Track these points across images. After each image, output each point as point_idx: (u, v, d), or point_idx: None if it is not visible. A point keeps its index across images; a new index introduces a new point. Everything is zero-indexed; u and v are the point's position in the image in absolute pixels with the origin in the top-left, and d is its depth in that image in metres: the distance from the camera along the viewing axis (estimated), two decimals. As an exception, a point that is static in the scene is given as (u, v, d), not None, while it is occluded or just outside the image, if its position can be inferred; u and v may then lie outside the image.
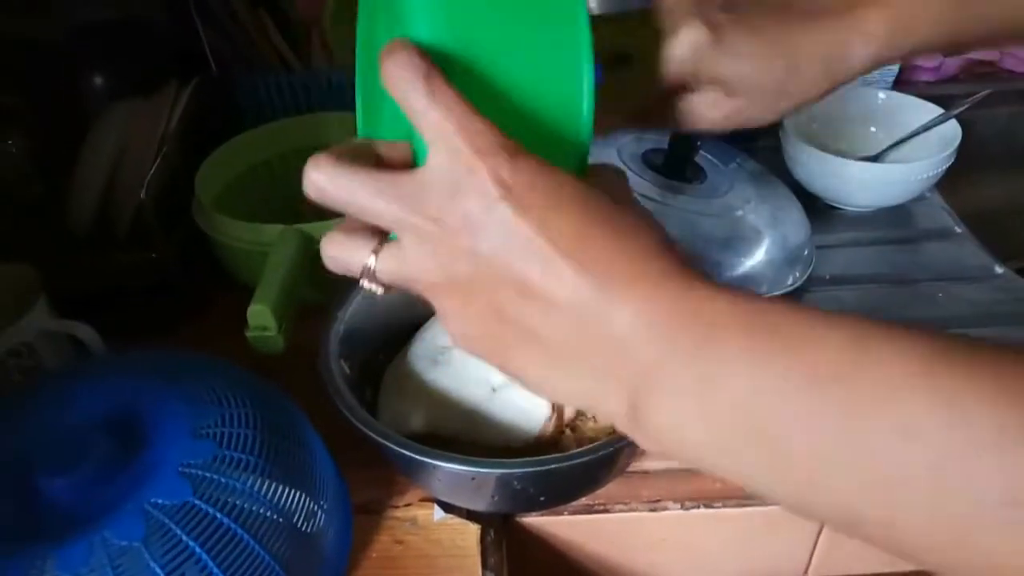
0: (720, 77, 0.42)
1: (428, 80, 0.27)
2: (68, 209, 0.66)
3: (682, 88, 0.44)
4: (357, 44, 0.40)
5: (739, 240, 0.67)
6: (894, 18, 0.41)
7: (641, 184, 0.68)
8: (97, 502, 0.40)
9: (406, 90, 0.28)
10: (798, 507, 0.24)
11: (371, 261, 0.30)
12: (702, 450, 0.25)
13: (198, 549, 0.39)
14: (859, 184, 0.74)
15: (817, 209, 0.78)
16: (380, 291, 0.31)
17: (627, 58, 0.45)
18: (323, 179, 0.29)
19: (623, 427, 0.27)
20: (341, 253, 0.31)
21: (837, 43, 0.41)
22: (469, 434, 0.52)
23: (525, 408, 0.52)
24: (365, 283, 0.31)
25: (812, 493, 0.24)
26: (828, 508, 0.23)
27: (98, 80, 0.77)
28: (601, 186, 0.29)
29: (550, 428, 0.51)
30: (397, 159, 0.31)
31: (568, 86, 0.31)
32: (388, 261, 0.30)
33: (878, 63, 0.42)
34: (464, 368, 0.54)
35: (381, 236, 0.31)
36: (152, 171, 0.63)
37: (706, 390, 0.24)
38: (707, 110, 0.44)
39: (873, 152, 0.79)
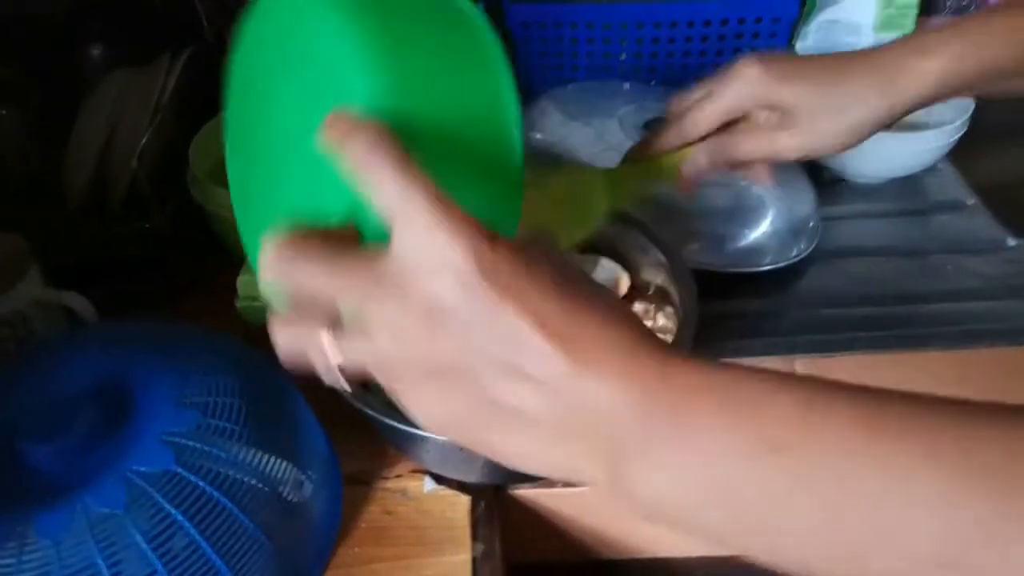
0: (779, 103, 0.45)
1: (399, 159, 0.26)
2: (63, 180, 0.66)
3: (742, 121, 0.47)
4: (228, 115, 0.38)
5: (744, 211, 0.65)
6: (944, 65, 0.45)
7: (642, 154, 0.66)
8: (80, 470, 0.40)
9: (373, 169, 0.26)
10: (767, 561, 0.25)
11: (331, 352, 0.28)
12: (680, 512, 0.26)
13: (180, 517, 0.39)
14: (868, 154, 0.72)
15: (824, 180, 0.76)
16: (346, 385, 0.29)
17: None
18: (281, 256, 0.27)
19: (606, 493, 0.27)
20: (296, 343, 0.28)
21: (891, 71, 0.45)
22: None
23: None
24: (327, 377, 0.29)
25: (771, 551, 0.25)
26: (787, 563, 0.25)
27: (94, 51, 0.76)
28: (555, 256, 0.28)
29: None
30: (344, 243, 0.29)
31: (502, 145, 0.31)
32: (353, 349, 0.28)
33: (934, 97, 0.46)
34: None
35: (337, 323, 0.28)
36: (145, 141, 0.63)
37: (682, 458, 0.25)
38: (772, 141, 0.47)
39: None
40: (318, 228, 0.29)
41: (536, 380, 0.26)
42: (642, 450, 0.25)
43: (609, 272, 0.57)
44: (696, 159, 0.48)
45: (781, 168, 0.71)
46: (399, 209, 0.26)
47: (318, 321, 0.28)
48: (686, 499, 0.25)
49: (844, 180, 0.77)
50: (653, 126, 0.69)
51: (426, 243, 0.26)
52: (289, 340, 0.29)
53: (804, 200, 0.69)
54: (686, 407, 0.25)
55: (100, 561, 0.37)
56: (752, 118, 0.47)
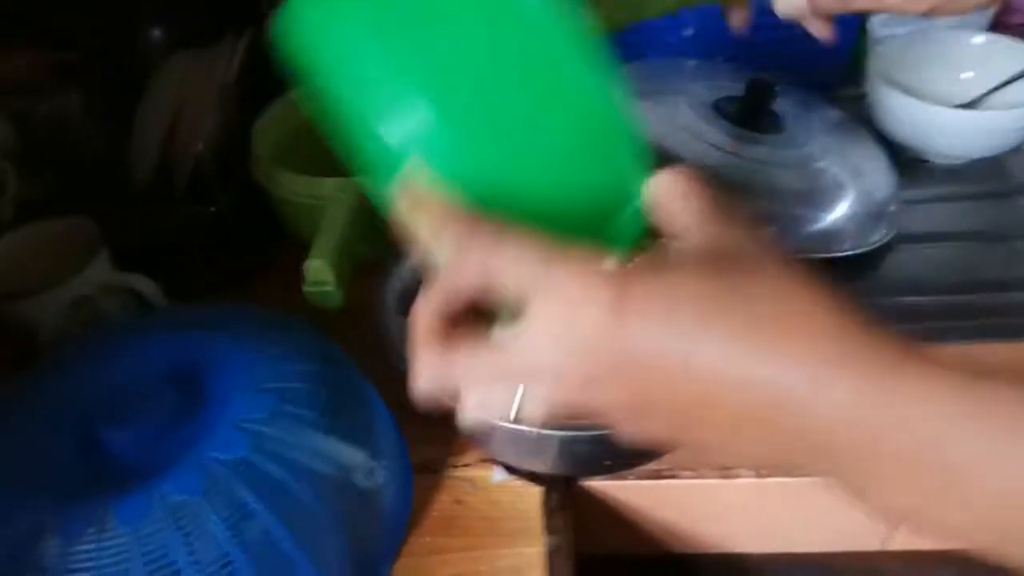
0: None
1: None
2: (128, 164, 0.66)
3: None
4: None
5: (819, 194, 0.63)
6: None
7: (713, 134, 0.64)
8: (157, 455, 0.40)
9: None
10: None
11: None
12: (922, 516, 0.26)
13: (256, 504, 0.38)
14: (951, 133, 0.69)
15: (903, 161, 0.73)
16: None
17: None
18: (434, 374, 0.27)
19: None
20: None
21: None
22: (531, 394, 0.50)
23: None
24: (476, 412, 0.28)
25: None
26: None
27: (156, 33, 0.76)
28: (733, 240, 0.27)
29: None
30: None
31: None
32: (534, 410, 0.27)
33: None
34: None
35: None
36: (210, 124, 0.62)
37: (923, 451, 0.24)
38: None
39: (966, 99, 0.73)
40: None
41: (748, 404, 0.25)
42: (875, 467, 0.24)
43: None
44: None
45: (858, 149, 0.68)
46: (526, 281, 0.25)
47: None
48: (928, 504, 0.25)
49: (924, 161, 0.73)
50: (722, 104, 0.67)
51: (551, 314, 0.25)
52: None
53: (883, 182, 0.66)
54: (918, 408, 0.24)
55: (178, 547, 0.37)
56: None
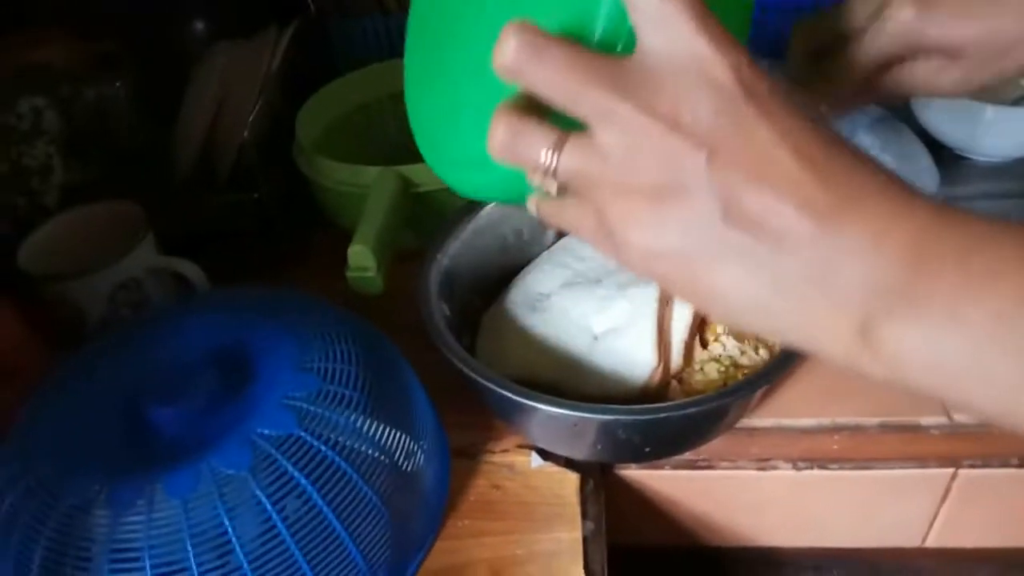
0: (941, 42, 0.40)
1: None
2: (172, 152, 0.67)
3: (900, 61, 0.42)
4: None
5: (860, 189, 0.62)
6: None
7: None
8: (204, 432, 0.40)
9: None
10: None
11: (550, 153, 0.26)
12: (946, 368, 0.23)
13: (303, 480, 0.39)
14: (996, 131, 0.68)
15: (945, 159, 0.72)
16: (552, 189, 0.27)
17: (828, 51, 0.43)
18: (525, 46, 0.25)
19: (841, 357, 0.25)
20: (515, 138, 0.27)
21: None
22: (569, 384, 0.50)
23: (629, 357, 0.49)
24: (536, 178, 0.27)
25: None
26: None
27: (199, 24, 0.77)
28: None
29: (656, 379, 0.49)
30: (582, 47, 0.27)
31: None
32: (574, 154, 0.26)
33: None
34: (564, 316, 0.53)
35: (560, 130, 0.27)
36: (254, 113, 0.63)
37: (966, 301, 0.22)
38: (933, 77, 0.42)
39: (1013, 97, 0.72)
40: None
41: (780, 215, 0.23)
42: (913, 294, 0.23)
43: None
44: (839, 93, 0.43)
45: (900, 146, 0.68)
46: (657, 10, 0.24)
47: (539, 120, 0.27)
48: (959, 351, 0.23)
49: (967, 159, 0.72)
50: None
51: (685, 49, 0.24)
52: (509, 133, 0.27)
53: (926, 180, 0.65)
54: (977, 256, 0.23)
55: (226, 521, 0.38)
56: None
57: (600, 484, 0.51)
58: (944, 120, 0.71)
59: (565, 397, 0.49)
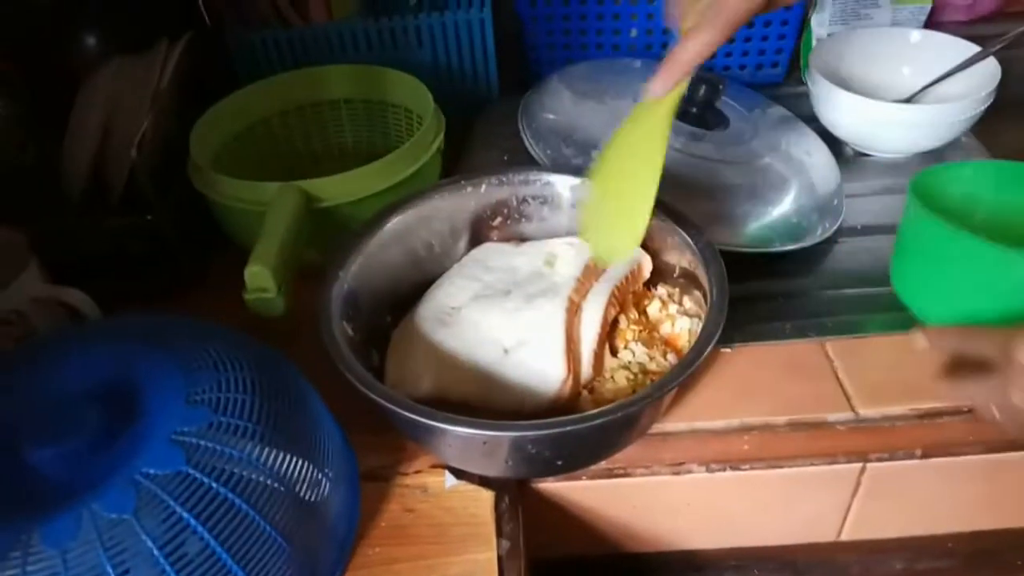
0: None
1: None
2: (61, 173, 0.64)
3: None
4: None
5: (765, 189, 0.63)
6: None
7: (659, 132, 0.64)
8: (87, 473, 0.38)
9: None
10: None
11: None
12: None
13: (193, 520, 0.37)
14: (891, 127, 0.70)
15: (846, 156, 0.74)
16: None
17: None
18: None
19: None
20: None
21: None
22: (480, 398, 0.49)
23: (539, 369, 0.49)
24: None
25: None
26: None
27: (88, 40, 0.73)
28: None
29: (566, 390, 0.48)
30: None
31: None
32: None
33: None
34: (474, 329, 0.52)
35: None
36: (143, 130, 0.60)
37: None
38: None
39: (906, 95, 0.74)
40: None
41: None
42: None
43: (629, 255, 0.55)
44: None
45: (802, 144, 0.69)
46: None
47: None
48: None
49: (867, 155, 0.74)
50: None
51: None
52: None
53: (828, 177, 0.67)
54: None
55: (109, 569, 0.35)
56: None
57: (517, 500, 0.50)
58: (844, 118, 0.72)
59: (477, 412, 0.49)
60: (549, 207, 0.59)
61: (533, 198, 0.59)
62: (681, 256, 0.54)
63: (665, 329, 0.54)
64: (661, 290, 0.56)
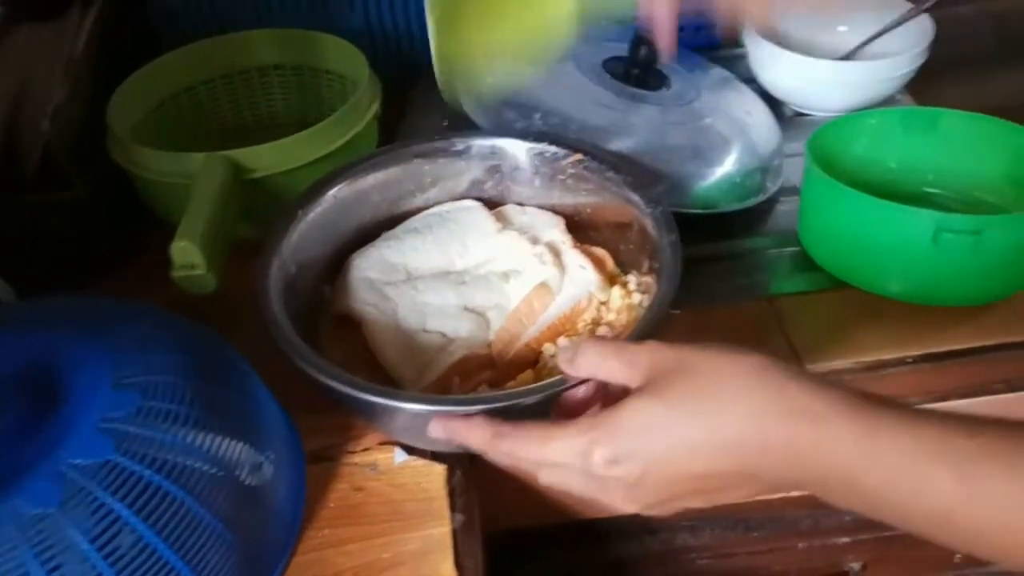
0: None
1: None
2: (-32, 150, 0.59)
3: None
4: None
5: (708, 149, 0.63)
6: None
7: (602, 94, 0.63)
8: (7, 466, 0.35)
9: None
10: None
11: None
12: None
13: (125, 511, 0.35)
14: (828, 86, 0.70)
15: (786, 117, 0.74)
16: None
17: None
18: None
19: None
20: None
21: None
22: (419, 373, 0.48)
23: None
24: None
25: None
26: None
27: (-6, 6, 0.68)
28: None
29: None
30: None
31: None
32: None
33: None
34: (412, 302, 0.51)
35: None
36: (57, 102, 0.56)
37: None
38: None
39: (842, 53, 0.75)
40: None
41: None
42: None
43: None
44: None
45: (742, 105, 0.69)
46: None
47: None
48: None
49: (805, 115, 0.75)
50: (610, 64, 0.66)
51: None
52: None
53: (768, 137, 0.67)
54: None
55: (35, 568, 0.33)
56: None
57: (470, 473, 0.49)
58: (783, 77, 0.72)
59: (423, 386, 0.47)
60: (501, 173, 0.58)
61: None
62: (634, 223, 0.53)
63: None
64: (632, 279, 0.54)
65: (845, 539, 0.64)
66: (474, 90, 0.64)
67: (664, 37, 0.58)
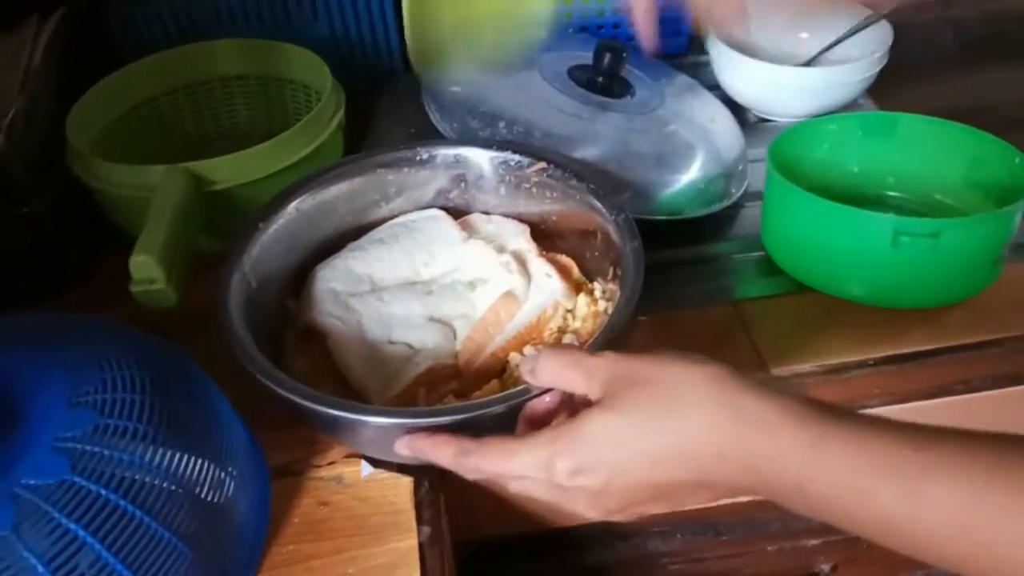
0: None
1: None
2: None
3: None
4: None
5: (672, 156, 0.63)
6: None
7: (567, 102, 0.63)
8: (-42, 490, 0.34)
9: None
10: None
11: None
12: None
13: (82, 532, 0.34)
14: (790, 91, 0.71)
15: (749, 123, 0.75)
16: None
17: None
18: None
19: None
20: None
21: None
22: (383, 385, 0.48)
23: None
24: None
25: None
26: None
27: (-53, 18, 0.67)
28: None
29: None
30: None
31: None
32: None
33: None
34: (377, 314, 0.50)
35: None
36: (13, 115, 0.56)
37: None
38: None
39: (804, 59, 0.76)
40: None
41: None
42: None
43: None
44: None
45: (706, 111, 0.69)
46: None
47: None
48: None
49: (768, 120, 0.75)
50: (575, 72, 0.66)
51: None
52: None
53: (732, 143, 0.68)
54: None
55: (-11, 593, 0.32)
56: None
57: (438, 484, 0.49)
58: (745, 84, 0.73)
59: (388, 398, 0.47)
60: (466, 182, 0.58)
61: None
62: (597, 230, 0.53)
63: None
64: (597, 287, 0.54)
65: (815, 541, 0.64)
66: (439, 97, 0.64)
67: (644, 29, 0.58)
